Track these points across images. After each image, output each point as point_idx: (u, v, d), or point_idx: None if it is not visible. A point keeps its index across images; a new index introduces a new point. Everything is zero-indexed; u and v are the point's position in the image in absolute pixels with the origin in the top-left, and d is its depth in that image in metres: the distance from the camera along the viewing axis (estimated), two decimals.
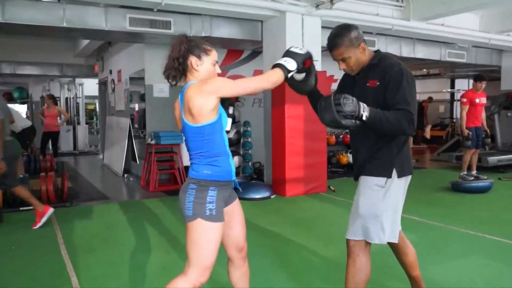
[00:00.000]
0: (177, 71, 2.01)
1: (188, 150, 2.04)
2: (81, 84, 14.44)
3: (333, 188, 6.51)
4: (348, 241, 2.24)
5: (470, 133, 6.56)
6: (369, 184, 2.22)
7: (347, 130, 8.72)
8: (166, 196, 6.43)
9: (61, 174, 7.84)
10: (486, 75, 11.99)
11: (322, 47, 6.59)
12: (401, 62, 2.22)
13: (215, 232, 1.94)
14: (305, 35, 6.23)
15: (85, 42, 9.67)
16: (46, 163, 8.20)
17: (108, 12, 5.73)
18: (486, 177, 6.51)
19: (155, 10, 5.64)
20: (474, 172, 6.75)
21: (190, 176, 2.00)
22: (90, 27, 5.71)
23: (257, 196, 5.98)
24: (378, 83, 2.19)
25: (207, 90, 1.89)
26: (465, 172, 6.55)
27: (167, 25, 6.05)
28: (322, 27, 6.41)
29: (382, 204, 2.18)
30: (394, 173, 2.20)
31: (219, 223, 1.95)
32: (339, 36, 2.23)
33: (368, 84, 2.23)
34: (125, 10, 5.81)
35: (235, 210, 2.15)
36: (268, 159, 6.61)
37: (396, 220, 2.26)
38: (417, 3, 6.91)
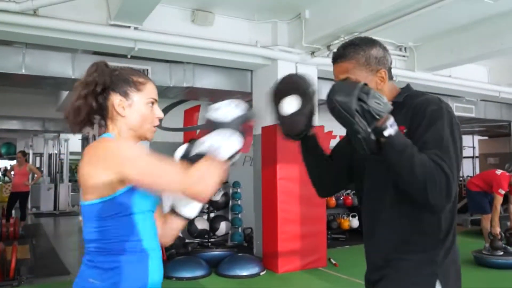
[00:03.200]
0: (86, 116, 1.32)
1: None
2: (66, 140, 13.73)
3: (334, 262, 5.55)
4: None
5: (501, 233, 5.73)
6: None
7: (348, 191, 7.98)
8: None
9: (29, 241, 6.99)
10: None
11: (320, 99, 5.86)
12: (443, 100, 1.41)
13: None
14: None
15: (65, 94, 9.02)
16: (9, 228, 7.25)
17: (75, 58, 5.06)
18: None
19: (128, 56, 4.97)
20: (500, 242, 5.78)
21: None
22: (55, 74, 5.02)
23: (244, 273, 4.99)
24: (405, 130, 1.37)
25: (109, 159, 1.22)
26: (489, 244, 5.61)
27: (144, 74, 5.36)
28: (319, 77, 5.74)
29: None
30: (438, 286, 1.33)
31: None
32: (353, 46, 1.47)
33: None
34: (96, 56, 5.15)
35: None
36: (258, 227, 5.68)
37: None
38: (422, 52, 6.31)
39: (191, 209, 1.43)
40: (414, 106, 1.39)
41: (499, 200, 5.68)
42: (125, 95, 1.34)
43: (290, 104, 1.48)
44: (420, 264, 1.35)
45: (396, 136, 1.27)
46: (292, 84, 1.51)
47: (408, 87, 1.53)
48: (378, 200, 1.47)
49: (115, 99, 1.33)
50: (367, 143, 1.27)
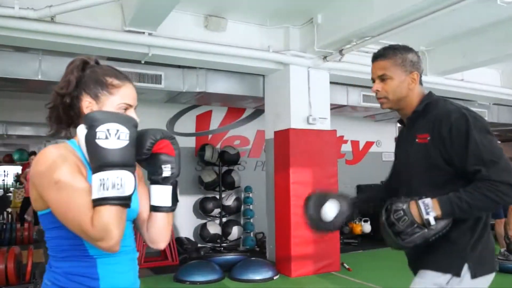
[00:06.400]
0: (56, 117, 1.28)
1: None
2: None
3: (347, 266, 5.52)
4: None
5: None
6: (424, 282, 1.57)
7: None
8: (153, 274, 5.46)
9: (42, 245, 7.07)
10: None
11: (332, 104, 5.90)
12: (463, 106, 1.54)
13: None
14: (312, 90, 5.53)
15: None
16: (23, 233, 7.34)
17: None
18: None
19: (142, 62, 5.02)
20: None
21: None
22: None
23: (257, 277, 4.99)
24: (429, 138, 1.54)
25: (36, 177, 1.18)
26: (505, 248, 5.55)
27: (157, 79, 5.43)
28: (331, 82, 5.76)
29: None
30: (466, 269, 1.49)
31: None
32: (392, 49, 1.71)
33: (417, 140, 1.59)
34: (110, 62, 5.21)
35: None
36: (271, 231, 5.68)
37: None
38: (434, 56, 6.29)
39: (162, 198, 1.27)
40: (436, 115, 1.56)
41: None
42: (95, 97, 1.24)
43: (331, 208, 1.72)
44: (452, 251, 1.52)
45: (444, 211, 1.45)
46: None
47: (429, 94, 1.69)
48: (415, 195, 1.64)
49: (85, 101, 1.24)
50: (435, 235, 1.47)
